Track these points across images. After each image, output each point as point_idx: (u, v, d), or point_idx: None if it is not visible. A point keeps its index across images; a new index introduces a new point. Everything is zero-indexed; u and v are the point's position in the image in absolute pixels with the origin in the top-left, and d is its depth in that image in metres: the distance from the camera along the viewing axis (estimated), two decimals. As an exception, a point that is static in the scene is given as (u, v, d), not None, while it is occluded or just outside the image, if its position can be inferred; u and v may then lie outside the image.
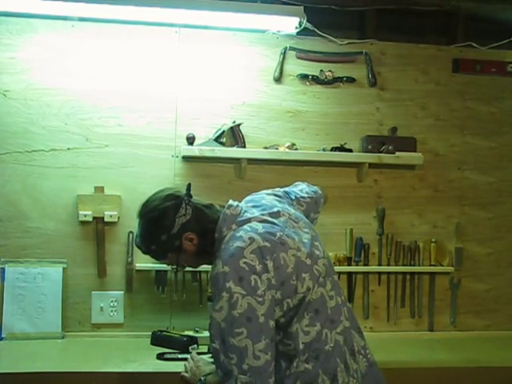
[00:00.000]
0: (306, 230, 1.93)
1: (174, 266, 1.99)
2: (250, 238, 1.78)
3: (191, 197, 1.95)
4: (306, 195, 2.14)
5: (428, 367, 2.46)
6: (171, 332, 2.68)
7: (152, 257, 1.99)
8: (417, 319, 3.02)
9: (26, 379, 2.18)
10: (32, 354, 2.44)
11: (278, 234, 1.83)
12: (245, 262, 1.74)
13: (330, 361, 1.79)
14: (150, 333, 2.67)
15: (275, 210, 1.92)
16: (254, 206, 1.94)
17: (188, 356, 2.22)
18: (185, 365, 2.08)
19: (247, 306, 1.70)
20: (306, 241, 1.88)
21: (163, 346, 2.57)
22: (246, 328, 1.70)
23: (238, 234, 1.81)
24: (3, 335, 2.64)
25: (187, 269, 2.71)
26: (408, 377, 2.40)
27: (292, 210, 1.98)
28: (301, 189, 2.18)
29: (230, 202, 1.94)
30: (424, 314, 3.02)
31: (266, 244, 1.78)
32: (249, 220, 1.87)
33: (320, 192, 2.23)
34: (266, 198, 2.01)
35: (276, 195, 2.05)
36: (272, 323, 1.74)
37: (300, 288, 1.78)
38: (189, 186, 1.97)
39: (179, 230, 1.89)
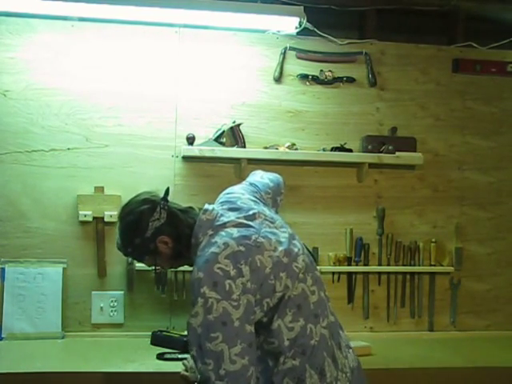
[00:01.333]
0: (282, 229, 1.94)
1: (155, 268, 2.00)
2: (224, 244, 1.79)
3: (167, 201, 1.96)
4: (268, 181, 2.16)
5: (428, 367, 2.46)
6: (171, 332, 2.68)
7: (133, 259, 2.04)
8: (417, 319, 3.02)
9: (26, 379, 2.18)
10: (32, 354, 2.45)
11: (253, 237, 1.83)
12: (219, 268, 1.74)
13: (317, 355, 1.80)
14: (150, 333, 2.67)
15: (251, 212, 1.92)
16: (229, 209, 1.94)
17: (188, 356, 2.24)
18: (184, 363, 2.08)
19: (222, 310, 1.71)
20: (283, 240, 1.89)
21: (163, 346, 2.57)
22: (222, 332, 1.69)
23: (213, 240, 1.82)
24: (3, 335, 2.64)
25: (187, 269, 2.75)
26: (408, 377, 2.40)
27: (267, 211, 1.98)
28: (261, 176, 2.20)
29: (206, 206, 1.94)
30: (424, 314, 3.02)
31: (241, 248, 1.79)
32: (224, 225, 1.87)
33: (278, 176, 2.26)
34: (241, 198, 2.00)
35: (250, 193, 2.05)
36: (249, 328, 1.73)
37: (278, 287, 1.79)
38: (167, 190, 1.98)
39: (153, 233, 1.91)
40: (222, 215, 1.91)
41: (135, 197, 2.01)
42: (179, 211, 1.97)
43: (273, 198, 2.13)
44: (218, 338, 1.69)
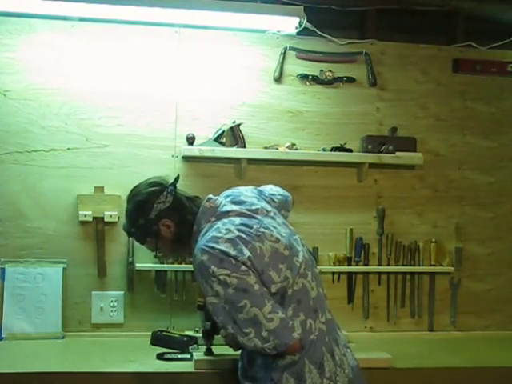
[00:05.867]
0: (283, 226, 1.98)
1: (155, 252, 2.07)
2: (226, 229, 1.84)
3: (175, 187, 2.02)
4: (276, 193, 2.19)
5: (428, 367, 2.46)
6: (171, 332, 2.68)
7: (136, 240, 2.09)
8: (417, 319, 3.01)
9: (26, 379, 2.18)
10: (32, 354, 2.44)
11: (255, 227, 1.88)
12: (219, 249, 1.79)
13: (316, 350, 1.83)
14: (150, 333, 2.67)
15: (253, 207, 1.96)
16: (233, 202, 1.98)
17: (188, 356, 2.30)
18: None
19: (237, 280, 1.76)
20: (284, 234, 1.93)
21: (163, 346, 2.57)
22: (247, 299, 1.75)
23: (216, 226, 1.88)
24: (3, 335, 2.64)
25: (187, 269, 2.75)
26: (408, 377, 2.40)
27: (269, 207, 2.02)
28: (271, 187, 2.23)
29: (210, 195, 2.01)
30: (424, 314, 3.02)
31: (242, 235, 1.83)
32: (227, 213, 1.92)
33: (287, 193, 2.27)
34: (244, 193, 2.05)
35: (254, 193, 2.08)
36: (266, 290, 1.78)
37: (276, 278, 1.82)
38: (177, 177, 2.05)
39: (157, 215, 1.98)
40: (224, 205, 1.96)
41: (145, 180, 2.08)
42: (185, 198, 2.03)
43: (278, 208, 2.13)
44: (246, 305, 1.74)
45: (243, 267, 1.77)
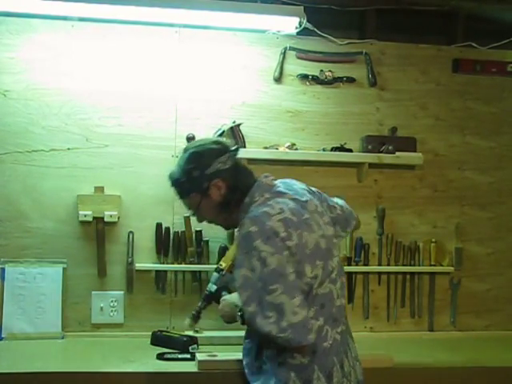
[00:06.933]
0: (328, 226, 1.95)
1: (194, 211, 2.01)
2: (280, 208, 1.81)
3: (236, 155, 1.98)
4: (338, 206, 2.13)
5: (428, 367, 2.46)
6: (171, 332, 2.68)
7: (177, 192, 2.01)
8: (417, 319, 3.01)
9: (26, 379, 2.17)
10: (32, 354, 2.44)
11: (306, 216, 1.85)
12: (270, 227, 1.76)
13: (328, 358, 1.81)
14: (150, 333, 2.67)
15: (304, 198, 1.93)
16: (286, 188, 1.96)
17: (188, 356, 2.32)
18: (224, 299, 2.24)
19: (277, 262, 1.73)
20: (327, 234, 1.91)
21: (163, 346, 2.57)
22: (280, 284, 1.72)
23: (269, 202, 1.85)
24: (3, 335, 2.64)
25: (187, 269, 2.75)
26: (408, 377, 2.40)
27: (319, 204, 1.98)
28: (336, 201, 2.17)
29: (267, 173, 1.98)
30: (424, 314, 3.02)
31: (293, 218, 1.81)
32: (282, 194, 1.89)
33: (354, 214, 2.20)
34: (297, 184, 2.02)
35: (307, 187, 2.04)
36: (299, 283, 1.76)
37: (309, 272, 1.79)
38: (237, 148, 2.01)
39: (212, 173, 1.92)
40: (279, 187, 1.93)
41: (209, 137, 2.12)
42: (244, 168, 2.00)
43: (333, 220, 2.03)
44: (277, 290, 1.71)
45: (286, 252, 1.74)
